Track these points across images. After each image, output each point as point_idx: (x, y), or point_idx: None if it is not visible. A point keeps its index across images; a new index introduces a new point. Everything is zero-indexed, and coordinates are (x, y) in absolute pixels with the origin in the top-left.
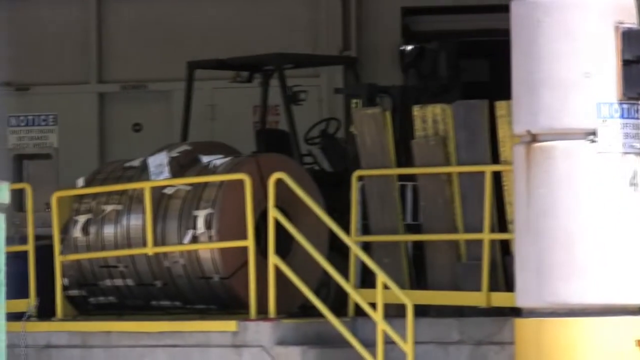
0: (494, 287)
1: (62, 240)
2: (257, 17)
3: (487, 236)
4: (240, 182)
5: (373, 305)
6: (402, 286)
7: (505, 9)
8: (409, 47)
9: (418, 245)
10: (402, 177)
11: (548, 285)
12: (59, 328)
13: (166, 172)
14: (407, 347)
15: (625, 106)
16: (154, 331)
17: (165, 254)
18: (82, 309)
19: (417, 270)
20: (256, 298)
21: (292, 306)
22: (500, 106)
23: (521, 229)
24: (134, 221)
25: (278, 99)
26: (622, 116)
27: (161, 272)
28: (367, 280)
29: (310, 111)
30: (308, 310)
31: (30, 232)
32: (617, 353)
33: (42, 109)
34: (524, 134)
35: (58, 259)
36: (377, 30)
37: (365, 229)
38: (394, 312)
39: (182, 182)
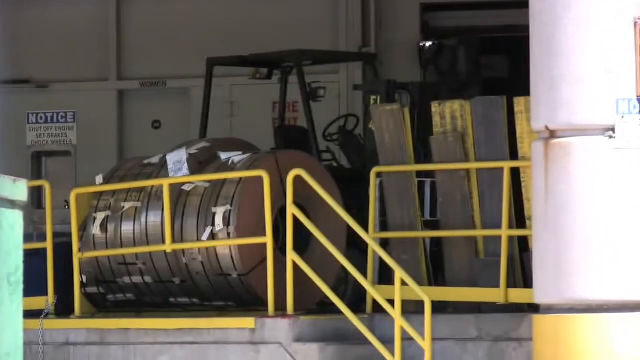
0: (512, 284)
1: (81, 238)
2: (276, 14)
3: (505, 232)
4: (259, 179)
5: (391, 302)
6: (420, 283)
7: (524, 4)
8: (428, 44)
9: (436, 242)
10: (420, 174)
11: (566, 281)
12: (77, 325)
13: (185, 169)
14: (425, 344)
15: None
16: (172, 328)
17: (183, 251)
18: (100, 306)
19: (435, 266)
20: (274, 295)
21: (310, 303)
22: (519, 102)
23: (539, 225)
24: (153, 218)
25: (297, 96)
26: None
27: (179, 269)
28: (385, 276)
29: (329, 108)
30: (326, 307)
31: (49, 229)
32: (636, 350)
33: (61, 106)
34: (543, 130)
35: (76, 256)
36: (396, 27)
37: (384, 226)
38: (412, 309)
39: (201, 178)
